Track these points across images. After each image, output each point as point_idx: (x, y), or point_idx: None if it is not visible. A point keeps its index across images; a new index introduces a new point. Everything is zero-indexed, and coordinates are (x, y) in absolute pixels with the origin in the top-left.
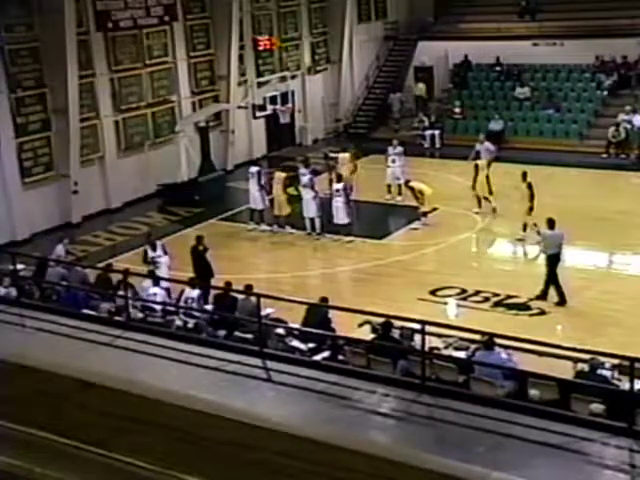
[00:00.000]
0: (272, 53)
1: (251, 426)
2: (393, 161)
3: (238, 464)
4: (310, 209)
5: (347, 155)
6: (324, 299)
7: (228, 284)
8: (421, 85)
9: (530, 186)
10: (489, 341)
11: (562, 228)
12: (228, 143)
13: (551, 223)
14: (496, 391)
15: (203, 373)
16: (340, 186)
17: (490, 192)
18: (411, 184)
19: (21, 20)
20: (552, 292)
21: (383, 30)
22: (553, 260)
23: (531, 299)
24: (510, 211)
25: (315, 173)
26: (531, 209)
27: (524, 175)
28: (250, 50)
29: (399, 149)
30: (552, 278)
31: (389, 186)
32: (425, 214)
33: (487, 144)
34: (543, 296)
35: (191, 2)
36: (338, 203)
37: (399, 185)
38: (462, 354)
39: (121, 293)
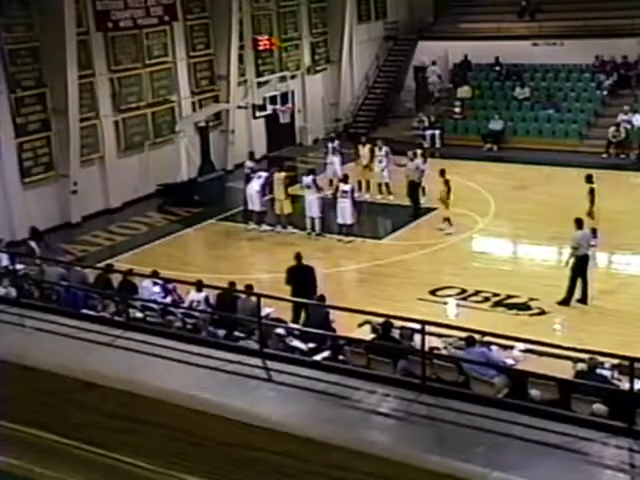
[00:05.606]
0: (272, 53)
1: (251, 426)
2: (380, 161)
3: (238, 464)
4: (313, 209)
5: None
6: (322, 297)
7: (232, 284)
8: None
9: (592, 191)
10: (469, 338)
11: (562, 228)
12: (228, 143)
13: (579, 223)
14: (490, 387)
15: (203, 373)
16: (347, 187)
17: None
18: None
19: (21, 20)
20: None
21: (383, 30)
22: (584, 261)
23: (578, 300)
24: (509, 212)
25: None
26: (590, 213)
27: (588, 178)
28: (250, 50)
29: (384, 150)
30: (582, 278)
31: (386, 185)
32: (448, 219)
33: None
34: (583, 300)
35: (191, 2)
36: (344, 204)
37: (380, 185)
38: (461, 354)
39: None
